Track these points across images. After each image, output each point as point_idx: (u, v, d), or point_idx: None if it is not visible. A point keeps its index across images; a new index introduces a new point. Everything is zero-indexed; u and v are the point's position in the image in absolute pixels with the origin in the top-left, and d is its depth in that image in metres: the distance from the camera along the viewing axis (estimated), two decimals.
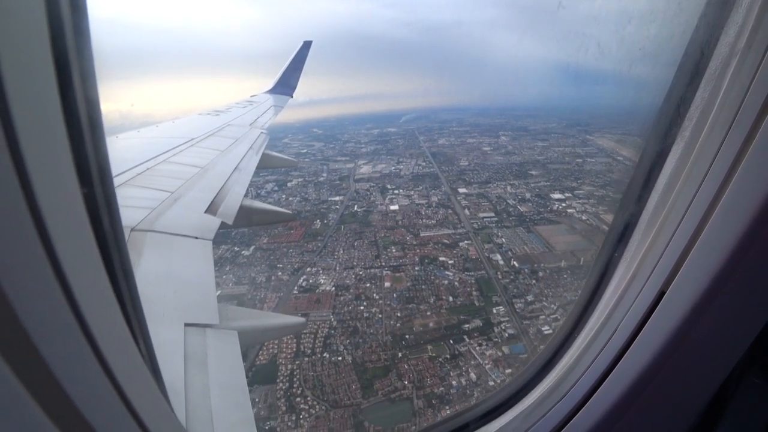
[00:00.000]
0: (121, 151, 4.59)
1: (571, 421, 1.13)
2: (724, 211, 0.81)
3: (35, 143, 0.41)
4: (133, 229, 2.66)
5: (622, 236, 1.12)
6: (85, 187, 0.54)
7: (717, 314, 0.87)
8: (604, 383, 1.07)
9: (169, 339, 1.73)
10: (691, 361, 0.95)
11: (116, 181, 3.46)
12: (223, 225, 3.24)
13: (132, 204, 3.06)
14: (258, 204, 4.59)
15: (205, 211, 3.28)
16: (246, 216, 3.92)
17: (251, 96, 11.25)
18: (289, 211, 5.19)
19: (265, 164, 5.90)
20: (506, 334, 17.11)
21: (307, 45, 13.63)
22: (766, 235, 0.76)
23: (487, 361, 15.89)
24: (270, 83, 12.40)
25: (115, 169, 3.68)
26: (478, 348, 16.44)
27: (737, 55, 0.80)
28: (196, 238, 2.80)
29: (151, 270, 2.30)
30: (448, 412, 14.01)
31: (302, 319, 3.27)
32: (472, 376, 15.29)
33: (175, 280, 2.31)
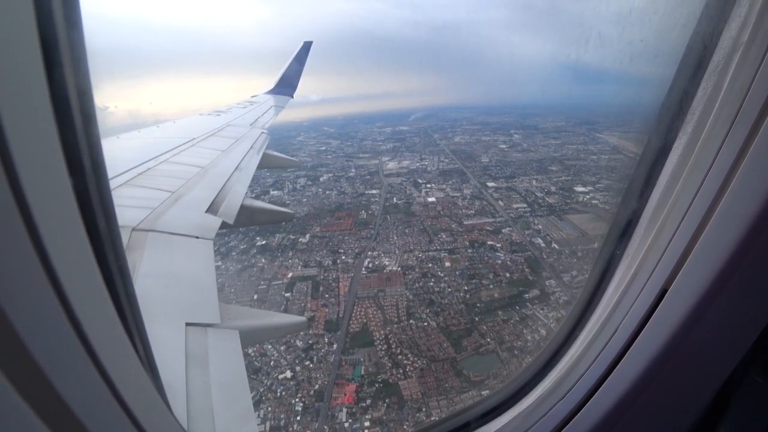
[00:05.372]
0: (123, 151, 4.61)
1: (572, 421, 1.13)
2: (727, 207, 0.80)
3: (25, 143, 0.41)
4: (134, 229, 2.66)
5: (623, 234, 1.11)
6: (78, 186, 0.53)
7: (719, 312, 0.86)
8: (605, 382, 1.06)
9: (171, 338, 1.74)
10: (692, 360, 0.94)
11: (117, 181, 3.47)
12: (224, 225, 3.25)
13: (133, 204, 3.07)
14: (259, 203, 4.59)
15: (206, 211, 3.29)
16: (247, 215, 3.92)
17: (252, 96, 11.27)
18: (291, 211, 5.18)
19: (266, 164, 5.91)
20: (561, 300, 19.98)
21: (307, 45, 13.63)
22: None
23: (551, 321, 18.52)
24: (271, 83, 12.43)
25: (116, 169, 3.70)
26: (541, 312, 19.29)
27: (740, 49, 0.78)
28: (197, 237, 2.81)
29: (153, 270, 2.30)
30: (529, 359, 15.53)
31: (303, 319, 3.27)
32: (542, 332, 17.96)
33: (177, 280, 2.31)
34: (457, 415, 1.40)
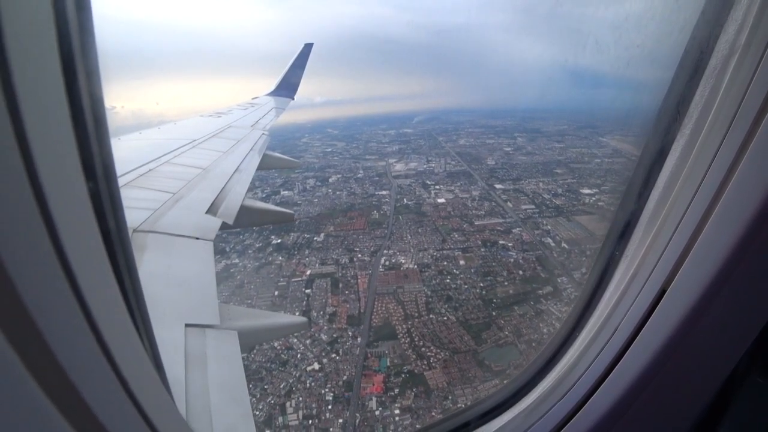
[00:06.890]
0: (124, 152, 4.62)
1: (571, 421, 1.13)
2: (725, 209, 0.81)
3: (44, 142, 0.42)
4: (135, 230, 2.67)
5: (623, 234, 1.12)
6: (92, 186, 0.54)
7: (718, 312, 0.86)
8: (604, 382, 1.06)
9: (170, 339, 1.74)
10: (692, 360, 0.94)
11: (119, 183, 3.47)
12: (224, 225, 3.25)
13: (134, 205, 3.07)
14: (259, 204, 4.60)
15: (206, 212, 3.29)
16: (247, 216, 3.93)
17: (253, 98, 11.31)
18: (291, 212, 5.18)
19: (267, 165, 5.92)
20: (573, 296, 20.97)
21: (307, 47, 13.68)
22: (767, 233, 0.76)
23: (564, 315, 18.62)
24: (273, 85, 12.49)
25: (118, 170, 3.70)
26: (554, 307, 20.19)
27: (737, 52, 0.79)
28: (197, 238, 2.81)
29: (153, 271, 2.30)
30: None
31: (303, 319, 3.26)
32: (557, 325, 17.73)
33: (177, 281, 2.31)
34: (458, 414, 1.40)
